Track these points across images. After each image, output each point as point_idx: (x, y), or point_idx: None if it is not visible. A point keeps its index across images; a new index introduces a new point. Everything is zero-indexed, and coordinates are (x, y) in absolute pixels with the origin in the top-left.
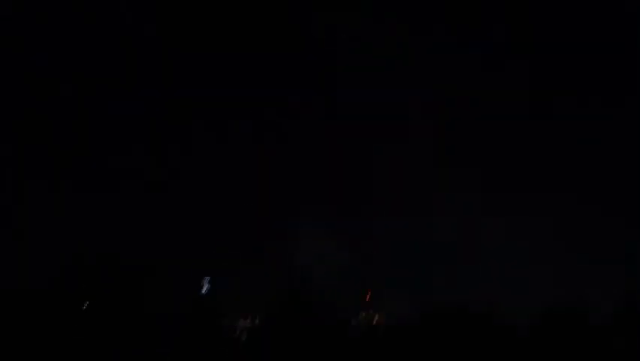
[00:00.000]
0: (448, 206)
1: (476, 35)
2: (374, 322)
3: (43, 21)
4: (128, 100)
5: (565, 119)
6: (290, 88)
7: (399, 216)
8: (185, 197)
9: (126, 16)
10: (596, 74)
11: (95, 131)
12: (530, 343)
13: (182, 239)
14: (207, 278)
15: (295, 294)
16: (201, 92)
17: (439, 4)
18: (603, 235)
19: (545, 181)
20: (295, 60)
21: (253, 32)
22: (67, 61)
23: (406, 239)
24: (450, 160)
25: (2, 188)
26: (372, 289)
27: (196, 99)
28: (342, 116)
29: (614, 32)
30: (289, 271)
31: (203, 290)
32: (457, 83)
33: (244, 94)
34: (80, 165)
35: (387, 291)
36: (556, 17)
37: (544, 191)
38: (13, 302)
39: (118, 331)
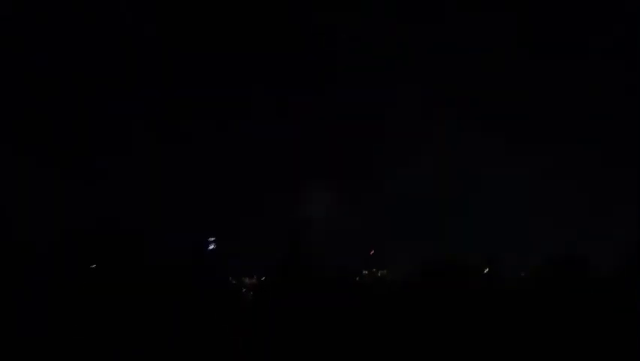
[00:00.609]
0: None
1: (476, 35)
2: (378, 277)
3: (43, 21)
4: (128, 100)
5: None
6: (290, 88)
7: (401, 168)
8: (185, 184)
9: (126, 16)
10: (595, 73)
11: (95, 131)
12: (529, 296)
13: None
14: (211, 238)
15: (298, 253)
16: (201, 92)
17: (439, 4)
18: (605, 184)
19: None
20: (295, 60)
21: (253, 32)
22: (67, 61)
23: (409, 194)
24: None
25: (2, 187)
26: (375, 246)
27: (196, 99)
28: (342, 116)
29: (614, 32)
30: (292, 232)
31: (209, 248)
32: (457, 83)
33: (244, 94)
34: (79, 165)
35: (390, 247)
36: (557, 17)
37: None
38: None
39: (124, 288)
